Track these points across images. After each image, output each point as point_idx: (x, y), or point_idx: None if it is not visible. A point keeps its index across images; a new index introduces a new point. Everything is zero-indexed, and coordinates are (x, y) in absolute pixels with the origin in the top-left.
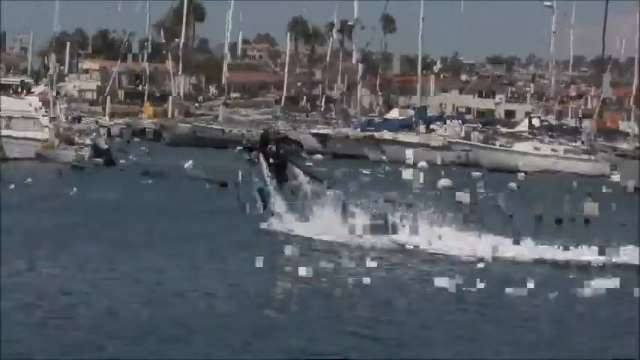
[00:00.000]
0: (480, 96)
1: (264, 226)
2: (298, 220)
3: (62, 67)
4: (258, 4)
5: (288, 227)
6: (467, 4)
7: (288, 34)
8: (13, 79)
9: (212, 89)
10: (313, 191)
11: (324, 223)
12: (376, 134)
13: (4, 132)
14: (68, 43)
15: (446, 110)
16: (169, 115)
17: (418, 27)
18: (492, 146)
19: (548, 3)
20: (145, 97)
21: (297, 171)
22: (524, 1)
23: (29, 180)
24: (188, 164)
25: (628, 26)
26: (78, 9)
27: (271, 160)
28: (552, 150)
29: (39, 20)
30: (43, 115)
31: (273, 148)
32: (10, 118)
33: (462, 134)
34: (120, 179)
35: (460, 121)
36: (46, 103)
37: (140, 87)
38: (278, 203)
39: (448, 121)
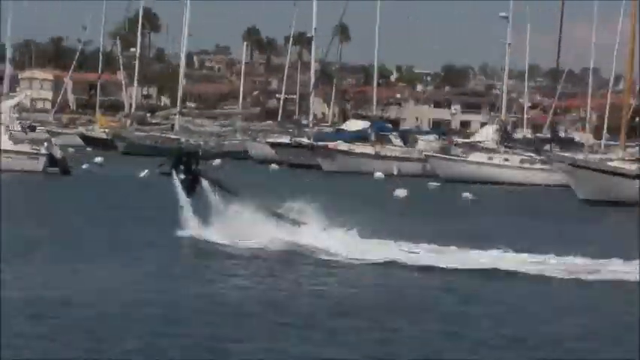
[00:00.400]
0: (436, 106)
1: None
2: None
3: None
4: (213, 14)
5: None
6: (421, 13)
7: (245, 43)
8: None
9: (164, 99)
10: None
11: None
12: (330, 144)
13: None
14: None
15: (422, 124)
16: (123, 124)
17: (374, 36)
18: (449, 156)
19: (504, 14)
20: (97, 107)
21: (204, 183)
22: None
23: None
24: (144, 173)
25: (582, 36)
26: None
27: (182, 176)
28: (505, 160)
29: None
30: None
31: (185, 166)
32: None
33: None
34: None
35: (437, 135)
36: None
37: (91, 97)
38: (189, 217)
39: (425, 135)
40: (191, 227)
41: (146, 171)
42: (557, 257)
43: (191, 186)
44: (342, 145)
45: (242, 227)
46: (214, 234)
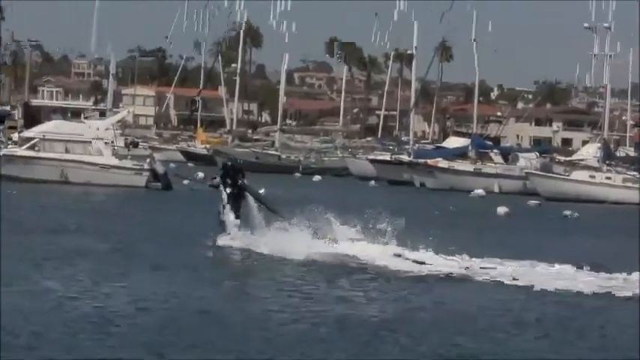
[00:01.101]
0: (537, 124)
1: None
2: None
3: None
4: (314, 31)
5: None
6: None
7: (346, 60)
8: (79, 104)
9: (265, 115)
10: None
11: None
12: (430, 161)
13: (65, 156)
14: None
15: (523, 141)
16: (224, 140)
17: (474, 55)
18: (550, 174)
19: (587, 25)
20: (198, 123)
21: (250, 199)
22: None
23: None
24: None
25: None
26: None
27: (229, 190)
28: (607, 178)
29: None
30: (99, 139)
31: (231, 180)
32: (69, 142)
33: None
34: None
35: (538, 153)
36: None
37: (193, 113)
38: (233, 230)
39: (525, 153)
40: (232, 239)
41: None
42: None
43: (236, 200)
44: (442, 162)
45: (287, 242)
46: (262, 247)
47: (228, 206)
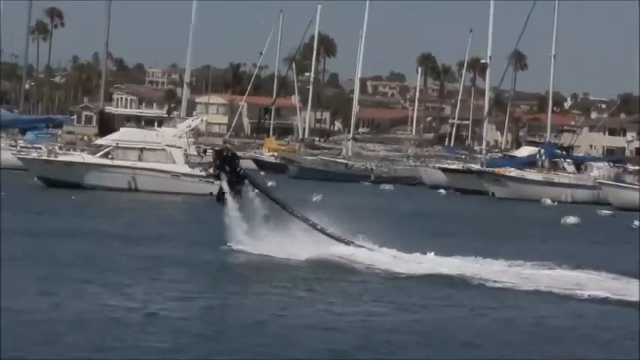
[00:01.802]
0: (611, 134)
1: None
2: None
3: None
4: (387, 40)
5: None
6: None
7: (420, 69)
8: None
9: (337, 124)
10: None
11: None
12: (499, 170)
13: (137, 164)
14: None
15: (596, 150)
16: (293, 148)
17: (550, 64)
18: (623, 184)
19: None
20: (270, 131)
21: (251, 193)
22: None
23: None
24: (316, 197)
25: None
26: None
27: (228, 178)
28: None
29: (170, 54)
30: (172, 147)
31: (230, 167)
32: (142, 150)
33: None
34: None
35: (609, 163)
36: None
37: (265, 121)
38: (235, 220)
39: (598, 163)
40: (241, 241)
41: (319, 195)
42: None
43: (235, 187)
44: (512, 171)
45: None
46: (269, 248)
47: (230, 196)
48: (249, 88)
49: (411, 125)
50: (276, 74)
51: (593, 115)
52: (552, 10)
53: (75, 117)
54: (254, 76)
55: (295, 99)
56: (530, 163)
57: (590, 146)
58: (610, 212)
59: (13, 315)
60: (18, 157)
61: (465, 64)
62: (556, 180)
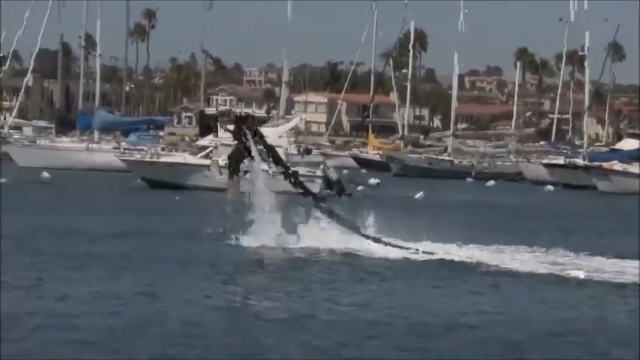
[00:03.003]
0: None
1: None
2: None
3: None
4: (483, 35)
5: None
6: None
7: (518, 63)
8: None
9: (436, 121)
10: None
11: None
12: (605, 164)
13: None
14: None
15: None
16: (396, 146)
17: None
18: None
19: None
20: (370, 129)
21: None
22: None
23: None
24: (419, 195)
25: None
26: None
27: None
28: None
29: (266, 53)
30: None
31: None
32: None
33: None
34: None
35: None
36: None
37: (364, 119)
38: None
39: None
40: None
41: (421, 193)
42: None
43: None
44: (617, 165)
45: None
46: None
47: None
48: (346, 85)
49: (512, 120)
50: (372, 71)
51: None
52: None
53: (175, 118)
54: (350, 73)
55: (394, 96)
56: (635, 156)
57: None
58: None
59: None
60: (121, 159)
61: (564, 57)
62: None
